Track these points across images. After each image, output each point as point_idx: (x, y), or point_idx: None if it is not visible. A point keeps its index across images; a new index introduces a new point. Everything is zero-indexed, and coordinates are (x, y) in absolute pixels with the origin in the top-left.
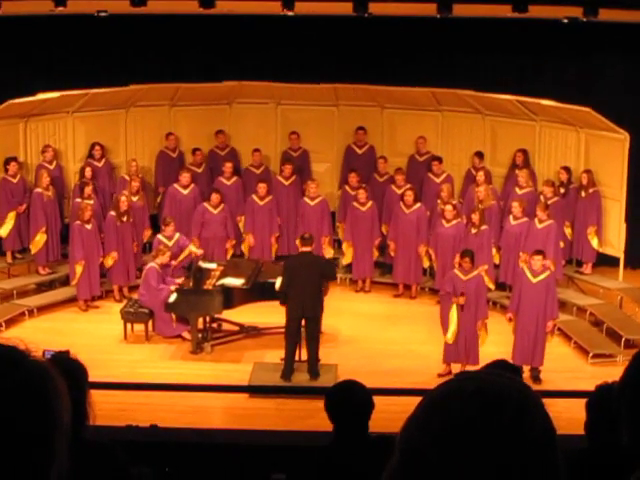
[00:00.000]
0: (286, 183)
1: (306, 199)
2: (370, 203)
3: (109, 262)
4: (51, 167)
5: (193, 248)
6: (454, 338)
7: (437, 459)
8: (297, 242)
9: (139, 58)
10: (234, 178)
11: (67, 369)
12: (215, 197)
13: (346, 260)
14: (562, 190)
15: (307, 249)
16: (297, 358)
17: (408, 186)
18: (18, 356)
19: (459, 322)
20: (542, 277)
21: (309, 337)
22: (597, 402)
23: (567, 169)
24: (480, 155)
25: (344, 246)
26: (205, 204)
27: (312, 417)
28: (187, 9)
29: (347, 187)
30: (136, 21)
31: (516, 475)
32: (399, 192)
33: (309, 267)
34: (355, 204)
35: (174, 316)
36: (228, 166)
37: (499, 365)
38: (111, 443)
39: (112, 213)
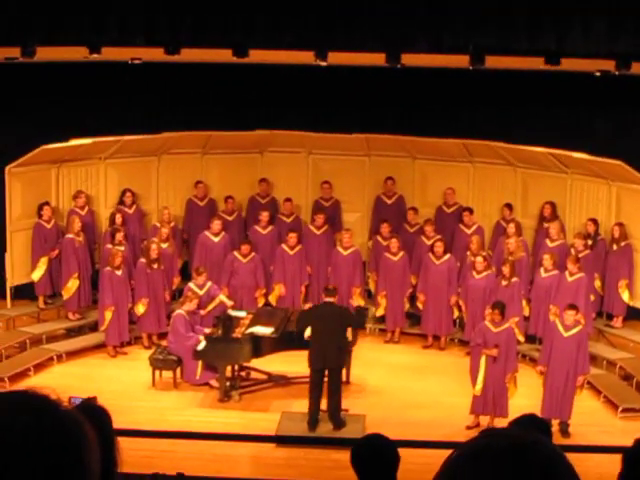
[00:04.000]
0: (318, 232)
1: (339, 248)
2: (402, 253)
3: (140, 309)
4: (83, 213)
5: (223, 298)
6: (482, 390)
7: None
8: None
9: (172, 106)
10: (270, 227)
11: (94, 416)
12: (245, 247)
13: (379, 312)
14: (590, 242)
15: (330, 300)
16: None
17: (438, 237)
18: (51, 407)
19: (488, 374)
20: (574, 331)
21: (330, 388)
22: (635, 456)
23: (595, 221)
24: (510, 207)
25: (378, 297)
26: (235, 253)
27: (339, 468)
28: (221, 58)
29: (379, 237)
30: (170, 69)
31: None
32: (428, 243)
33: (331, 318)
34: (387, 254)
35: (202, 364)
36: (265, 215)
37: (528, 419)
38: None
39: (142, 260)
